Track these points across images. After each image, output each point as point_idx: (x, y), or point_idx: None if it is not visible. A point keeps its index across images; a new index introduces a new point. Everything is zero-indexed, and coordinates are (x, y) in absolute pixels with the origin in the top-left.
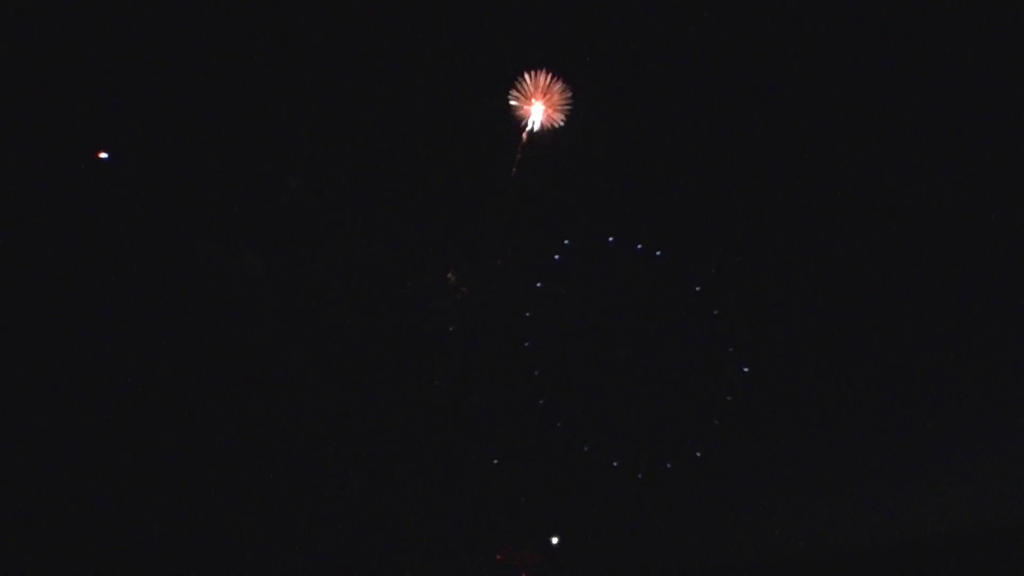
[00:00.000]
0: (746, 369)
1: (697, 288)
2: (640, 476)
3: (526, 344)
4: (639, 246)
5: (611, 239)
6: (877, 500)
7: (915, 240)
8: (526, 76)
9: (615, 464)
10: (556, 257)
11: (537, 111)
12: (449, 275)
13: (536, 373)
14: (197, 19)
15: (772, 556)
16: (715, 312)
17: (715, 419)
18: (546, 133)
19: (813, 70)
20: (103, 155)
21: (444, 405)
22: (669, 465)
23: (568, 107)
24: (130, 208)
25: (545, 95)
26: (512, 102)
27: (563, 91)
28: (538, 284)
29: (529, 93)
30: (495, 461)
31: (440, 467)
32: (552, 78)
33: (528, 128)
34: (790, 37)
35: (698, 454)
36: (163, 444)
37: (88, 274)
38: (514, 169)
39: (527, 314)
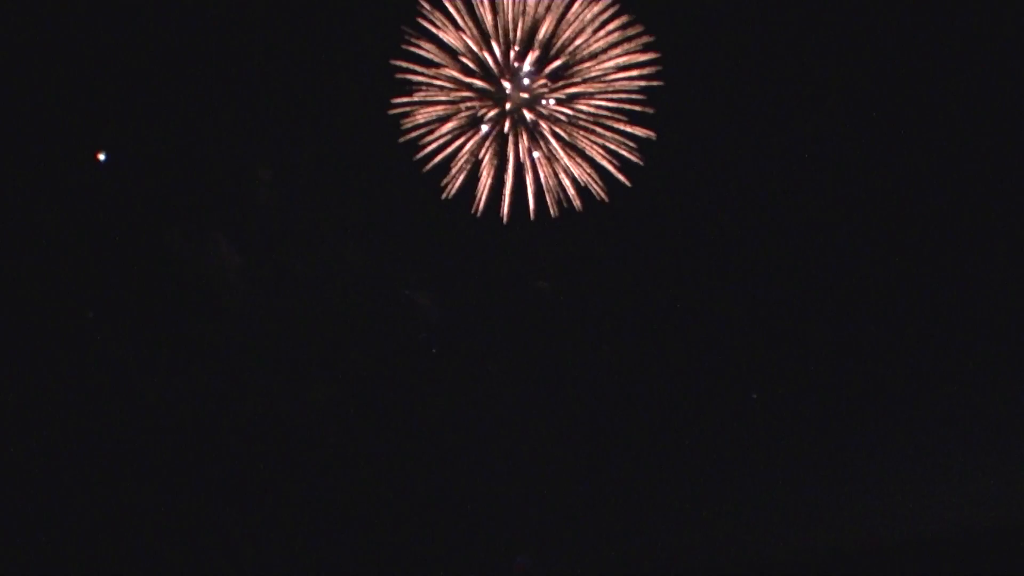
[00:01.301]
0: (755, 396)
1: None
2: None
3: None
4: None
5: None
6: (877, 500)
7: (914, 241)
8: None
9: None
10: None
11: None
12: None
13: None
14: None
15: (772, 556)
16: (713, 312)
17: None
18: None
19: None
20: (102, 156)
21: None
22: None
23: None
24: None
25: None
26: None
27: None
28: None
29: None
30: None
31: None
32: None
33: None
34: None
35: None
36: (142, 444)
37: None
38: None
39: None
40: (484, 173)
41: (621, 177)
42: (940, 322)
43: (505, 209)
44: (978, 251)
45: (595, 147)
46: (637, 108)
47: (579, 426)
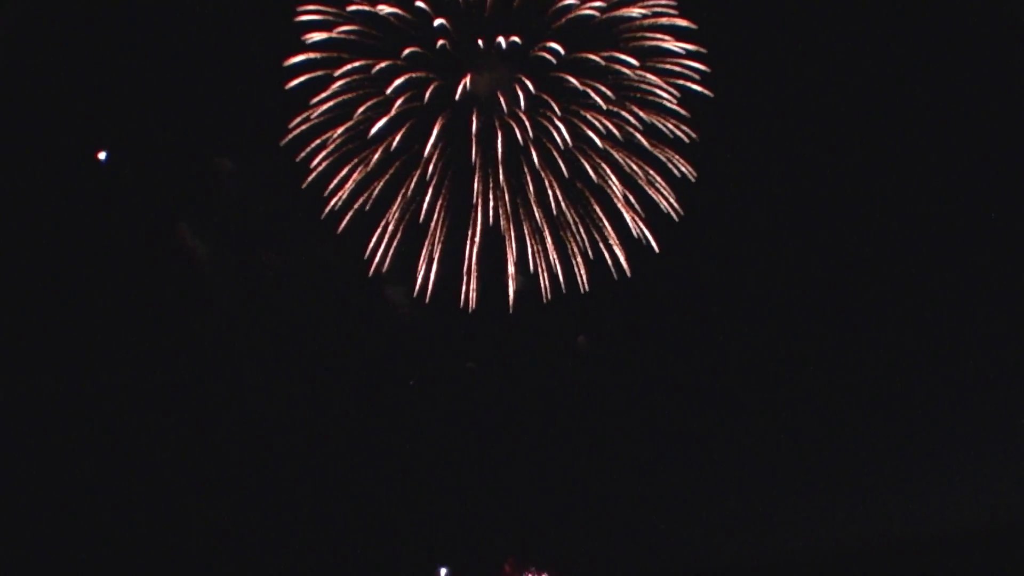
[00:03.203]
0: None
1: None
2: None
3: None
4: None
5: None
6: (877, 500)
7: (915, 242)
8: None
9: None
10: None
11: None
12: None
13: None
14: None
15: (772, 556)
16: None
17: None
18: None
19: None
20: (102, 155)
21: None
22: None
23: None
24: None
25: None
26: None
27: None
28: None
29: None
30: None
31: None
32: None
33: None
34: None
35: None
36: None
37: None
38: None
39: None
40: (435, 237)
41: (649, 238)
42: (941, 325)
43: (472, 296)
44: (978, 257)
45: (610, 187)
46: (671, 127)
47: (575, 427)
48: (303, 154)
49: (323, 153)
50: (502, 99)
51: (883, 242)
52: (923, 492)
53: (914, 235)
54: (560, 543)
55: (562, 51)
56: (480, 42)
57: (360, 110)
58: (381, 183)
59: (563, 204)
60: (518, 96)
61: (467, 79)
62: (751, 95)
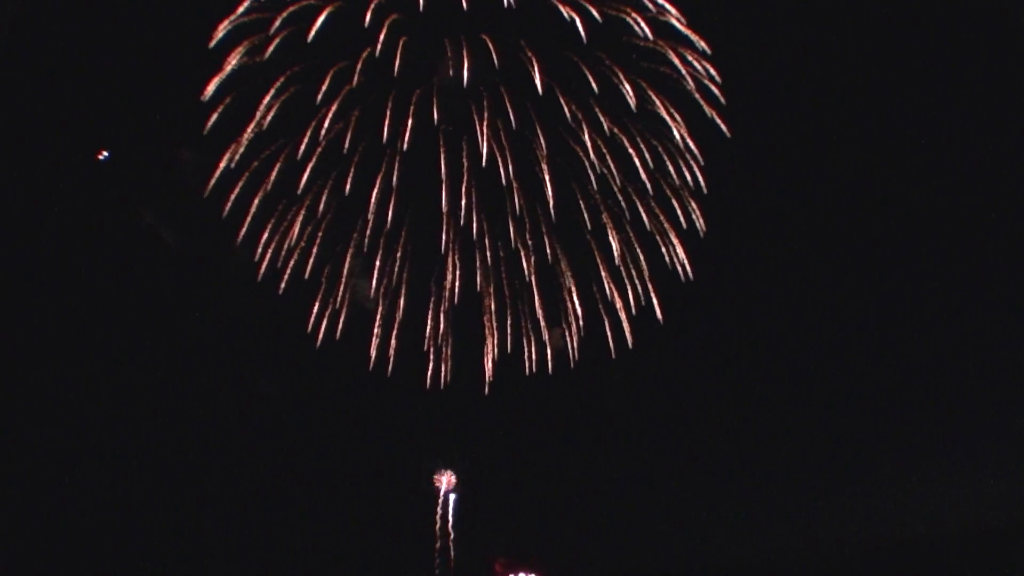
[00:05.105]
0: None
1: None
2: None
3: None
4: None
5: None
6: (878, 500)
7: (914, 243)
8: None
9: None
10: None
11: None
12: None
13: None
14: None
15: (772, 556)
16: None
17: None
18: None
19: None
20: (103, 155)
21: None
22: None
23: None
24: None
25: None
26: None
27: None
28: None
29: None
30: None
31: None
32: None
33: None
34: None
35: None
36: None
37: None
38: None
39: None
40: (395, 303)
41: (654, 305)
42: (941, 326)
43: (444, 374)
44: (978, 257)
45: (613, 233)
46: (682, 169)
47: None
48: (231, 202)
49: (257, 197)
50: (478, 129)
51: (883, 245)
52: (923, 492)
53: (914, 237)
54: (551, 543)
55: (541, 70)
56: (447, 44)
57: (302, 147)
58: (322, 233)
59: (552, 251)
60: (496, 120)
61: (434, 83)
62: (772, 132)
